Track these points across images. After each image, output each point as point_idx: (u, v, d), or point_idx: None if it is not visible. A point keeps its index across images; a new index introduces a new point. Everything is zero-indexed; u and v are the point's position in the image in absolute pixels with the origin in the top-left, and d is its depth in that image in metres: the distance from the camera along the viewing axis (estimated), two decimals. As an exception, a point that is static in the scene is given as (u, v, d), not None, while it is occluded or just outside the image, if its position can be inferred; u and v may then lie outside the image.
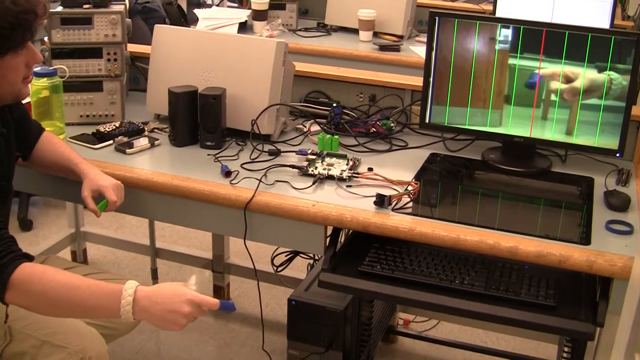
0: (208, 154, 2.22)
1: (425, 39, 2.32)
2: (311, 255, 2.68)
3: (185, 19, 4.80)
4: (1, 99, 1.80)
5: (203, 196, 2.01)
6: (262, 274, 2.97)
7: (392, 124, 2.42)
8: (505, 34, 2.18)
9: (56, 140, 2.12)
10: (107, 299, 1.61)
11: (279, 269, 2.62)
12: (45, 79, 2.20)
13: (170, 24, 4.23)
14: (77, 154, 2.09)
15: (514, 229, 1.85)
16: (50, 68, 2.24)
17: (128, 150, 2.23)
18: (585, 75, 2.13)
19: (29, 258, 1.67)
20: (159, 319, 1.62)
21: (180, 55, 2.38)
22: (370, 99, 2.60)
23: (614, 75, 2.11)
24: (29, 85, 2.20)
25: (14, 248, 1.66)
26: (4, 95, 1.79)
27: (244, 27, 3.87)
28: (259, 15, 3.86)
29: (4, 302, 1.65)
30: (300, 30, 3.95)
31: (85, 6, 2.35)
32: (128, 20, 2.44)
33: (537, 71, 2.18)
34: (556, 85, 2.18)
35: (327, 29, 3.97)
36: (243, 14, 3.89)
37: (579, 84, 2.15)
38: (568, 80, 2.16)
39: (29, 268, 1.64)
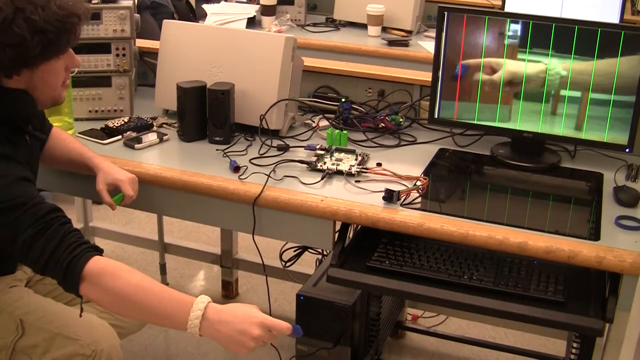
0: (217, 149, 2.23)
1: (434, 34, 2.32)
2: (319, 250, 2.67)
3: (194, 14, 4.80)
4: (42, 104, 1.81)
5: (211, 191, 2.02)
6: (271, 269, 2.97)
7: (400, 119, 2.42)
8: (515, 29, 2.17)
9: (65, 136, 2.13)
10: (177, 309, 1.58)
11: (288, 264, 2.62)
12: (54, 74, 2.20)
13: (179, 19, 4.25)
14: (88, 148, 2.10)
15: (523, 224, 1.84)
16: (59, 63, 2.24)
17: (137, 146, 2.23)
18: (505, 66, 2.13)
19: (99, 251, 1.66)
20: (227, 338, 1.57)
21: (189, 51, 2.38)
22: (379, 94, 2.60)
23: (552, 64, 2.13)
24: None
25: (84, 240, 1.66)
26: (44, 100, 1.80)
27: (252, 23, 3.87)
28: (267, 11, 3.86)
29: (79, 295, 1.63)
30: (308, 25, 3.95)
31: (93, 1, 2.35)
32: (136, 15, 2.44)
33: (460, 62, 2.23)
34: (478, 76, 2.22)
35: (335, 24, 3.97)
36: (251, 9, 3.89)
37: (498, 77, 2.19)
38: (493, 71, 2.19)
39: (102, 262, 1.62)
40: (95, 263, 1.61)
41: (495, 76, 2.18)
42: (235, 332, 1.57)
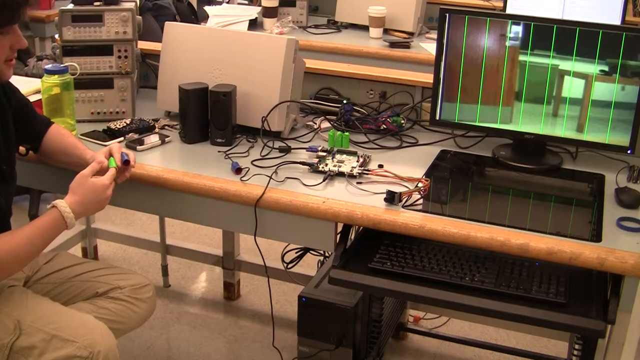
0: (218, 151, 2.23)
1: (435, 36, 2.32)
2: (321, 252, 2.68)
3: (196, 16, 4.81)
4: None
5: (213, 193, 2.02)
6: (273, 271, 2.98)
7: (402, 121, 2.42)
8: (516, 30, 2.18)
9: (64, 132, 2.14)
10: (57, 229, 1.89)
11: (290, 265, 2.62)
12: (56, 76, 2.21)
13: (181, 21, 4.26)
14: (83, 144, 2.11)
15: (524, 226, 1.84)
16: (61, 65, 2.25)
17: (139, 147, 2.24)
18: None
19: None
20: (93, 211, 1.99)
21: (191, 53, 2.39)
22: (381, 96, 2.60)
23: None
24: (41, 81, 2.23)
25: None
26: None
27: (254, 24, 3.88)
28: (269, 12, 3.87)
29: None
30: (310, 27, 3.95)
31: (96, 3, 2.35)
32: (138, 17, 2.44)
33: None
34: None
35: (337, 26, 3.97)
36: (253, 11, 3.89)
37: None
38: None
39: None
40: None
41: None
42: (96, 203, 1.94)
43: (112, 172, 1.96)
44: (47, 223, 1.88)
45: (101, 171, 1.98)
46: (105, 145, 2.24)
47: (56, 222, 1.88)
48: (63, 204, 1.88)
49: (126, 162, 2.01)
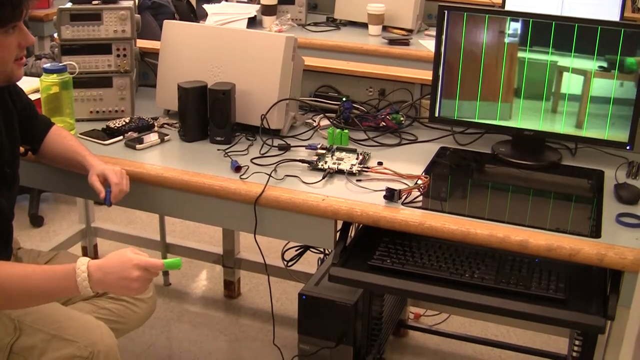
0: (218, 149, 2.23)
1: (434, 33, 2.32)
2: (321, 249, 2.68)
3: (195, 14, 4.80)
4: None
5: (213, 191, 2.02)
6: (273, 269, 2.98)
7: (401, 118, 2.42)
8: (515, 27, 2.18)
9: (65, 134, 2.14)
10: (64, 280, 1.67)
11: (290, 263, 2.62)
12: (55, 75, 2.21)
13: (180, 20, 4.25)
14: (85, 147, 2.10)
15: (524, 222, 1.84)
16: (60, 64, 2.25)
17: (138, 146, 2.24)
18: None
19: None
20: (114, 287, 1.70)
21: (190, 51, 2.39)
22: (380, 93, 2.60)
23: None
24: (40, 80, 2.22)
25: None
26: None
27: (253, 22, 3.88)
28: (268, 10, 3.87)
29: None
30: (309, 24, 3.95)
31: (94, 2, 2.35)
32: (137, 16, 2.44)
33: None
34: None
35: (336, 24, 3.97)
36: (252, 9, 3.89)
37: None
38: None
39: None
40: None
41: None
42: (118, 280, 1.66)
43: (154, 263, 1.68)
44: (53, 270, 1.69)
45: None
46: (105, 145, 2.25)
47: (65, 275, 1.66)
48: (83, 261, 1.67)
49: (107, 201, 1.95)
